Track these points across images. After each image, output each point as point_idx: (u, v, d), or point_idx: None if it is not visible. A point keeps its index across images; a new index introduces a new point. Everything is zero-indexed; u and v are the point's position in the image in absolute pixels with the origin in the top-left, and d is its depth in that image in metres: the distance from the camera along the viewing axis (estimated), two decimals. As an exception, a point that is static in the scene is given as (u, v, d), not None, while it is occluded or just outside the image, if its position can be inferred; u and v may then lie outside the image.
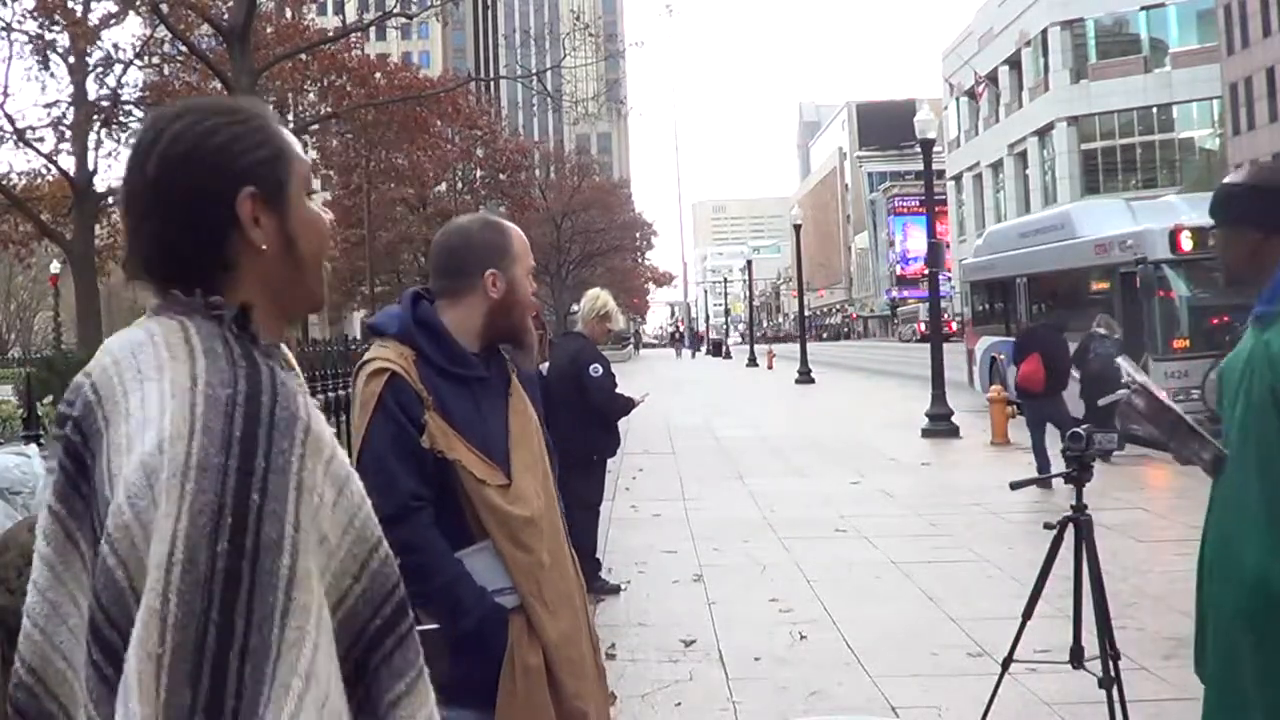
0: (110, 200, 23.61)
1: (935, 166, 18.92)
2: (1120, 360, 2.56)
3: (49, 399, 6.55)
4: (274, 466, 1.07)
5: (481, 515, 2.18)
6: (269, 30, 21.78)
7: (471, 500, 2.18)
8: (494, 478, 2.20)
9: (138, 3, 19.29)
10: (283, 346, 1.92)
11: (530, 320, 2.38)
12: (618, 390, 6.77)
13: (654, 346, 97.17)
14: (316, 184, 40.93)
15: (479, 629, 2.14)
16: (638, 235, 61.67)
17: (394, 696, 1.18)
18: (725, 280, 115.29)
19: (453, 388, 2.24)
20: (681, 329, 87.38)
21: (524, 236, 2.45)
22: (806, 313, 48.34)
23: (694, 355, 63.96)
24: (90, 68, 22.40)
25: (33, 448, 3.75)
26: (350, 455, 2.24)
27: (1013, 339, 16.80)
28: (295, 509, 1.08)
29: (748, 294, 70.53)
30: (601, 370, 6.63)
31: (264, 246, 1.20)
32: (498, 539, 2.18)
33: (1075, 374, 11.32)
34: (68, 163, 22.98)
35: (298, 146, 1.27)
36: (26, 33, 20.87)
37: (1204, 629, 2.49)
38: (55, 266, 34.61)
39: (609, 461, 7.22)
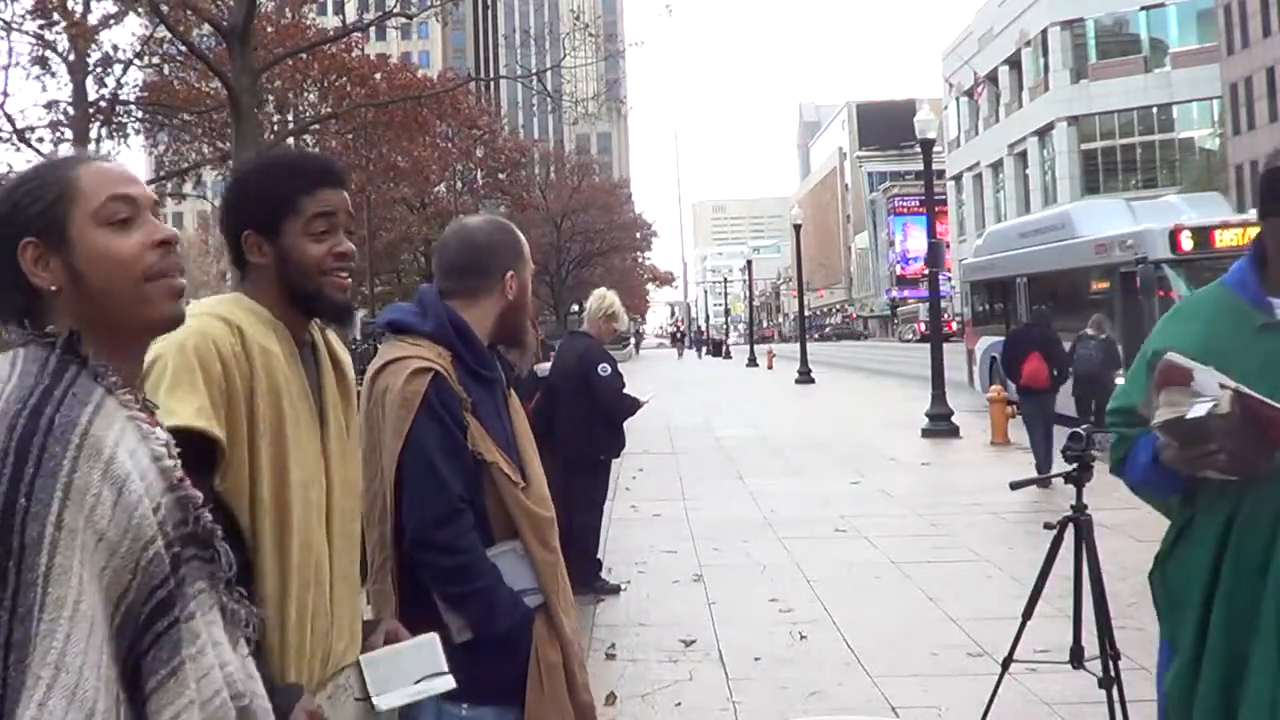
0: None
1: (935, 166, 18.91)
2: (1195, 366, 2.05)
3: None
4: (43, 471, 1.18)
5: (515, 517, 2.19)
6: (270, 30, 21.77)
7: (504, 502, 2.19)
8: (519, 479, 2.23)
9: (137, 3, 19.28)
10: (331, 338, 1.94)
11: (529, 322, 2.39)
12: (625, 390, 6.74)
13: (662, 346, 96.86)
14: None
15: (510, 632, 2.16)
16: (638, 235, 61.66)
17: (148, 691, 1.25)
18: (725, 280, 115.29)
19: (480, 390, 2.25)
20: (681, 328, 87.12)
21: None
22: (806, 313, 48.32)
23: (701, 355, 63.40)
24: (90, 68, 22.38)
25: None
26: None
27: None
28: (59, 510, 1.17)
29: (748, 294, 70.47)
30: (610, 370, 6.59)
31: (53, 287, 1.31)
32: (528, 540, 2.20)
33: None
34: (67, 163, 22.96)
35: (89, 182, 1.35)
36: (26, 32, 20.86)
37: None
38: (55, 266, 34.58)
39: (610, 462, 7.22)
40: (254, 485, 1.70)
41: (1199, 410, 1.99)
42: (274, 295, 1.83)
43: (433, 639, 1.96)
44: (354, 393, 1.96)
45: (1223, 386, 1.99)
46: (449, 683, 1.93)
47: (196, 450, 1.62)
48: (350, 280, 1.88)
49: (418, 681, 1.89)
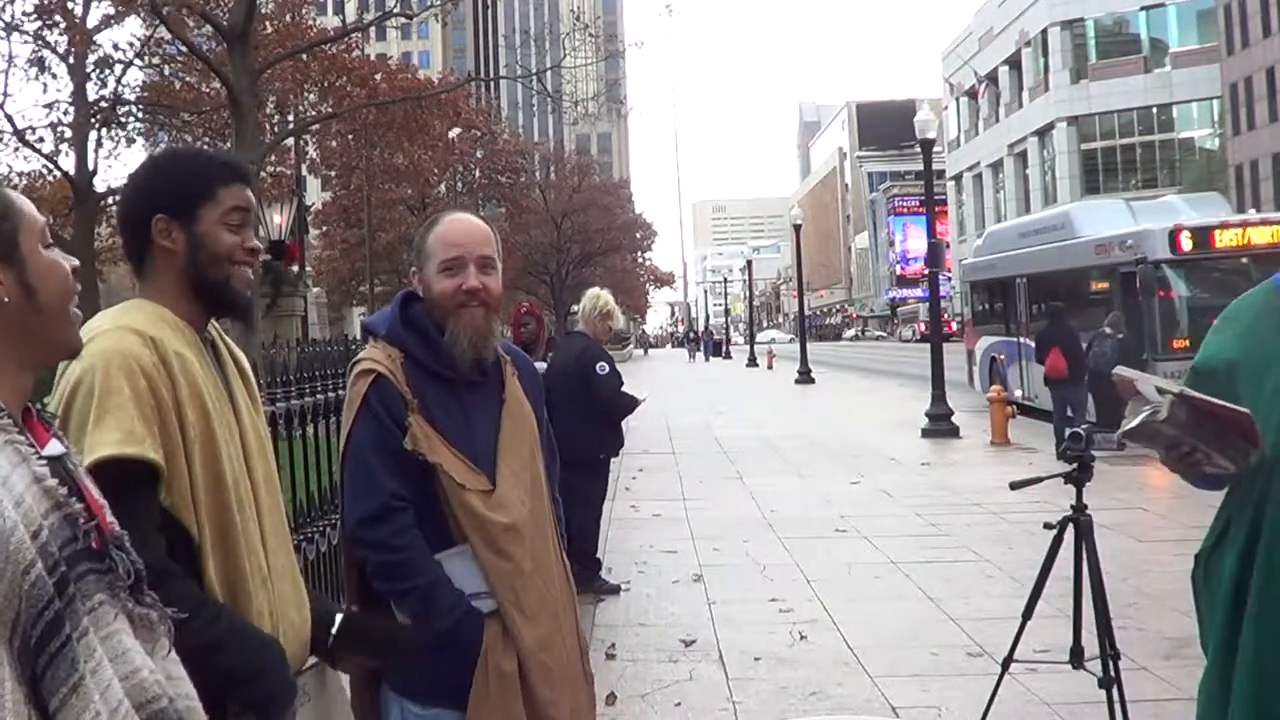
0: (111, 201, 23.61)
1: (935, 166, 18.91)
2: (1137, 377, 2.11)
3: (49, 399, 6.54)
4: None
5: (460, 519, 2.17)
6: (270, 31, 21.77)
7: (450, 504, 2.17)
8: (476, 483, 2.19)
9: (138, 3, 19.30)
10: (227, 339, 1.93)
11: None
12: (623, 389, 6.79)
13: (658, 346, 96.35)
14: (316, 184, 41.03)
15: (454, 631, 2.13)
16: (638, 235, 61.56)
17: (52, 711, 1.23)
18: (725, 280, 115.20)
19: (440, 390, 2.23)
20: (693, 329, 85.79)
21: None
22: (807, 313, 48.32)
23: (709, 359, 62.29)
24: (89, 68, 22.38)
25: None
26: None
27: (1014, 339, 17.11)
28: None
29: (748, 294, 70.34)
30: (608, 369, 6.65)
31: (5, 299, 1.32)
32: (475, 544, 2.17)
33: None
34: (68, 163, 22.97)
35: (27, 207, 1.38)
36: (26, 33, 20.87)
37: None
38: (55, 267, 34.50)
39: (610, 461, 7.24)
40: (194, 491, 1.68)
41: (1140, 418, 2.06)
42: (178, 288, 1.79)
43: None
44: (257, 391, 1.96)
45: (1162, 392, 2.05)
46: None
47: (134, 473, 1.60)
48: (254, 277, 1.89)
49: None
